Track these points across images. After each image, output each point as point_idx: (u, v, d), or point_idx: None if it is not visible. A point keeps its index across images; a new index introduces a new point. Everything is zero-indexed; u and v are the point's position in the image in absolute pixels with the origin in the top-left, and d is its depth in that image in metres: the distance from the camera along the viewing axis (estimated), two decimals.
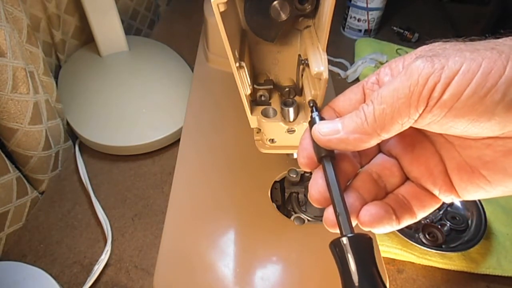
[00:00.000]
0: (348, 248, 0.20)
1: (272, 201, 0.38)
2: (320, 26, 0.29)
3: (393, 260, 0.45)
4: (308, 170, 0.24)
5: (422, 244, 0.43)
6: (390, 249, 0.44)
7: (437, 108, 0.18)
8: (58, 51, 0.63)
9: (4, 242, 0.45)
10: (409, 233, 0.45)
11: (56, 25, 0.60)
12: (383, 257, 0.44)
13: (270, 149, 0.34)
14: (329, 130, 0.21)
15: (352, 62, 0.74)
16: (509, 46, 0.18)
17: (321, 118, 0.25)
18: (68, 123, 0.56)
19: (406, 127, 0.20)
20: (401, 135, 0.24)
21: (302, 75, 0.34)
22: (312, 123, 0.24)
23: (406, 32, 0.81)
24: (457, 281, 0.43)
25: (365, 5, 0.76)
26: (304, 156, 0.24)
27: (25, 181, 0.48)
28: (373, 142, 0.21)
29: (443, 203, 0.24)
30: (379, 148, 0.26)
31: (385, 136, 0.20)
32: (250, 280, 0.33)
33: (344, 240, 0.20)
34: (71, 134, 0.57)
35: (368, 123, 0.20)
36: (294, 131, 0.32)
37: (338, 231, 0.21)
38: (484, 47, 0.18)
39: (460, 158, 0.22)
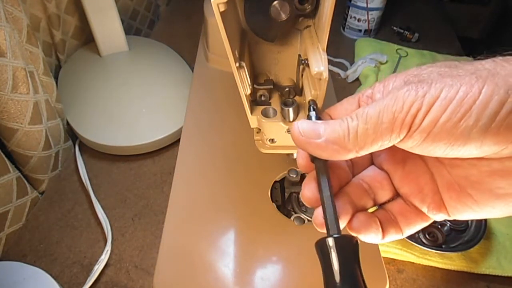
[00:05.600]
0: (332, 248, 0.20)
1: (272, 201, 0.38)
2: (320, 26, 0.29)
3: (393, 260, 0.45)
4: (307, 172, 0.25)
5: (422, 244, 0.43)
6: (390, 249, 0.44)
7: (417, 134, 0.19)
8: (58, 51, 0.63)
9: (4, 242, 0.45)
10: None
11: (56, 25, 0.60)
12: (383, 257, 0.44)
13: (270, 149, 0.34)
14: (309, 131, 0.21)
15: (352, 62, 0.74)
16: (488, 70, 0.18)
17: (318, 118, 0.25)
18: (68, 123, 0.56)
19: (384, 147, 0.20)
20: (393, 151, 0.24)
21: (302, 75, 0.34)
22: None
23: (406, 32, 0.81)
24: (457, 281, 0.43)
25: (365, 5, 0.76)
26: (304, 158, 0.24)
27: (25, 181, 0.48)
28: (349, 156, 0.21)
29: (434, 220, 0.24)
30: (372, 160, 0.26)
31: (363, 153, 0.20)
32: (250, 280, 0.33)
33: (330, 240, 0.20)
34: (71, 134, 0.57)
35: (350, 139, 0.20)
36: None
37: (325, 231, 0.22)
38: (465, 72, 0.19)
39: (449, 176, 0.22)
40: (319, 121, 0.22)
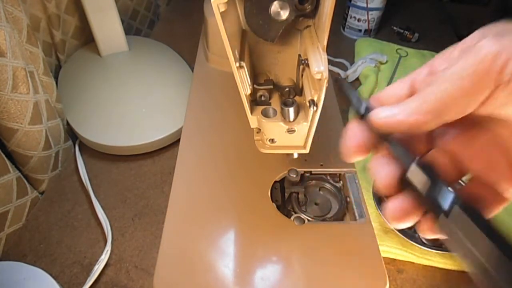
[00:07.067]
0: (464, 217, 0.18)
1: (272, 201, 0.38)
2: (320, 26, 0.29)
3: (393, 260, 0.45)
4: (353, 160, 0.24)
5: (422, 244, 0.43)
6: (390, 249, 0.44)
7: (506, 88, 0.17)
8: (58, 51, 0.63)
9: (4, 242, 0.45)
10: (409, 233, 0.45)
11: (56, 25, 0.60)
12: (383, 257, 0.44)
13: (270, 149, 0.34)
14: (388, 113, 0.21)
15: (352, 62, 0.74)
16: None
17: (369, 105, 0.24)
18: (68, 123, 0.56)
19: (469, 110, 0.19)
20: (461, 127, 0.23)
21: (302, 75, 0.34)
22: (361, 110, 0.24)
23: (406, 32, 0.81)
24: (457, 281, 0.43)
25: (365, 5, 0.76)
26: (353, 145, 0.23)
27: (25, 181, 0.48)
28: (432, 125, 0.19)
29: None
30: (429, 146, 0.25)
31: (446, 119, 0.19)
32: (250, 280, 0.33)
33: (455, 210, 0.18)
34: (71, 134, 0.57)
35: (429, 104, 0.19)
36: (294, 131, 0.32)
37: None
38: None
39: None
40: (394, 104, 0.21)
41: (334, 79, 0.26)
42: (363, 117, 0.23)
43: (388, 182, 0.22)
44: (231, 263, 0.34)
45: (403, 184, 0.22)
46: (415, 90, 0.22)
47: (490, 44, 0.17)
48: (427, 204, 0.20)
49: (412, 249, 0.44)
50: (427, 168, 0.20)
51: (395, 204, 0.21)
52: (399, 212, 0.21)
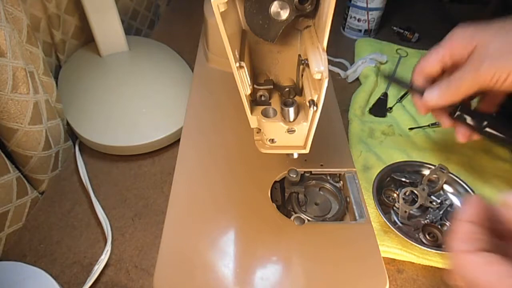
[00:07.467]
0: None
1: (272, 201, 0.38)
2: (320, 26, 0.29)
3: (393, 260, 0.45)
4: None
5: (422, 244, 0.43)
6: (390, 249, 0.44)
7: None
8: (58, 51, 0.63)
9: (4, 242, 0.45)
10: (409, 233, 0.45)
11: (56, 25, 0.60)
12: (383, 257, 0.44)
13: (270, 149, 0.34)
14: (430, 98, 0.40)
15: (352, 62, 0.74)
16: None
17: (418, 87, 0.43)
18: (68, 123, 0.56)
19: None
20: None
21: (302, 75, 0.34)
22: (416, 90, 0.43)
23: (406, 32, 0.81)
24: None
25: (365, 5, 0.76)
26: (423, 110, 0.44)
27: (25, 181, 0.48)
28: (459, 100, 0.39)
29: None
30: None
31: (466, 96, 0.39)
32: (250, 280, 0.33)
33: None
34: (71, 134, 0.57)
35: (453, 93, 0.38)
36: (294, 131, 0.32)
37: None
38: None
39: None
40: (434, 87, 0.40)
41: (383, 75, 0.37)
42: (412, 89, 0.43)
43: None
44: (231, 263, 0.34)
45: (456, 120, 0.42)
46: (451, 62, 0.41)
47: (487, 66, 0.35)
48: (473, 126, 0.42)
49: (412, 249, 0.44)
50: (467, 109, 0.42)
51: (461, 131, 0.43)
52: (464, 133, 0.43)
